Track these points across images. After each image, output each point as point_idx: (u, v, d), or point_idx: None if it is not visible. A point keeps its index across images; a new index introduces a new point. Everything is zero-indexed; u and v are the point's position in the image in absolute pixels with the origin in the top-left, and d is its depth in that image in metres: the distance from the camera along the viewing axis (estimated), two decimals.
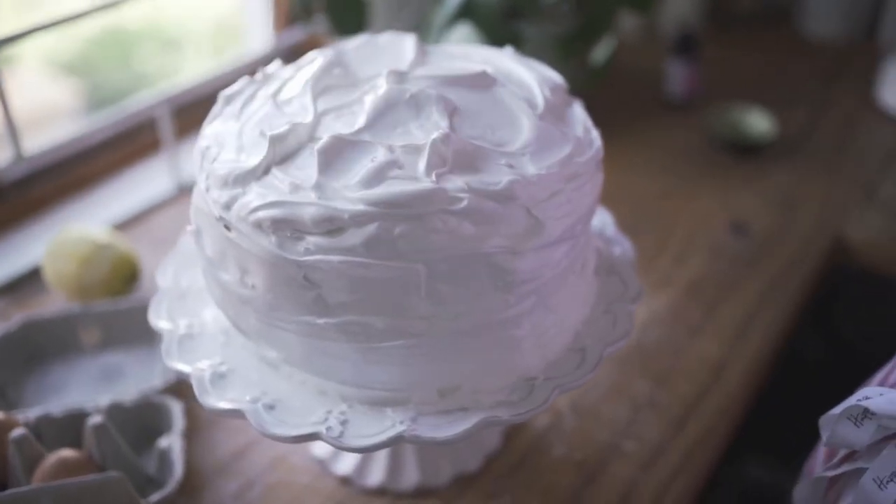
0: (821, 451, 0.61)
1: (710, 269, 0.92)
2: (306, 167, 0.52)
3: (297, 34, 1.20)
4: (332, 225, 0.49)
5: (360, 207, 0.49)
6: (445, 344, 0.53)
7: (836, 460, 0.54)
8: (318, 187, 0.50)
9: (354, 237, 0.49)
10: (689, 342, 0.82)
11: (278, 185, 0.51)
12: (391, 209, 0.49)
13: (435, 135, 0.51)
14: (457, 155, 0.52)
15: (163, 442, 0.67)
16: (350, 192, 0.50)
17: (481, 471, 0.69)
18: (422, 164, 0.51)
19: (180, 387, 0.75)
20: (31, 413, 0.69)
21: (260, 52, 1.17)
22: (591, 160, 0.56)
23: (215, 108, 0.61)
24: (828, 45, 1.44)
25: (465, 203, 0.49)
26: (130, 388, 0.76)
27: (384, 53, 0.65)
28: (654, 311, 0.86)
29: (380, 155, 0.51)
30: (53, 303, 0.87)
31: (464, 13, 0.87)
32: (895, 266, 0.96)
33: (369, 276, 0.50)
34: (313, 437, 0.52)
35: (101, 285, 0.83)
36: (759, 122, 1.14)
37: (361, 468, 0.68)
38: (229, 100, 0.61)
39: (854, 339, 1.15)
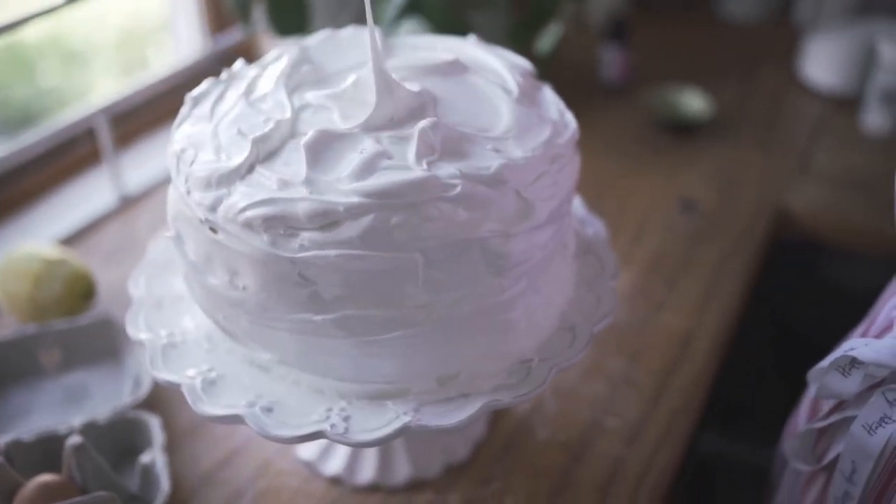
0: (804, 408, 0.63)
1: (665, 246, 0.95)
2: (293, 163, 0.51)
3: (234, 36, 1.18)
4: (326, 219, 0.49)
5: (355, 199, 0.48)
6: (443, 332, 0.53)
7: (823, 412, 0.56)
8: (308, 182, 0.49)
9: (350, 230, 0.48)
10: (656, 318, 0.84)
11: (265, 182, 0.51)
12: (386, 199, 0.48)
13: (422, 123, 0.51)
14: (444, 142, 0.52)
15: (145, 457, 0.65)
16: (342, 184, 0.49)
17: (470, 459, 0.70)
18: (411, 153, 0.51)
19: (154, 400, 0.73)
20: (0, 440, 0.66)
21: (195, 56, 1.14)
22: (569, 141, 0.57)
23: (183, 110, 0.59)
24: (745, 26, 1.49)
25: (458, 189, 0.49)
26: (100, 407, 0.74)
27: (349, 48, 0.64)
28: (620, 290, 0.87)
29: (368, 146, 0.51)
30: (6, 325, 0.83)
31: (412, 6, 0.87)
32: (836, 234, 1.01)
33: (366, 269, 0.49)
34: (317, 435, 0.51)
35: (57, 304, 0.79)
36: (694, 102, 1.17)
37: (351, 467, 0.68)
38: (197, 101, 0.60)
39: (787, 310, 1.21)
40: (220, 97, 0.60)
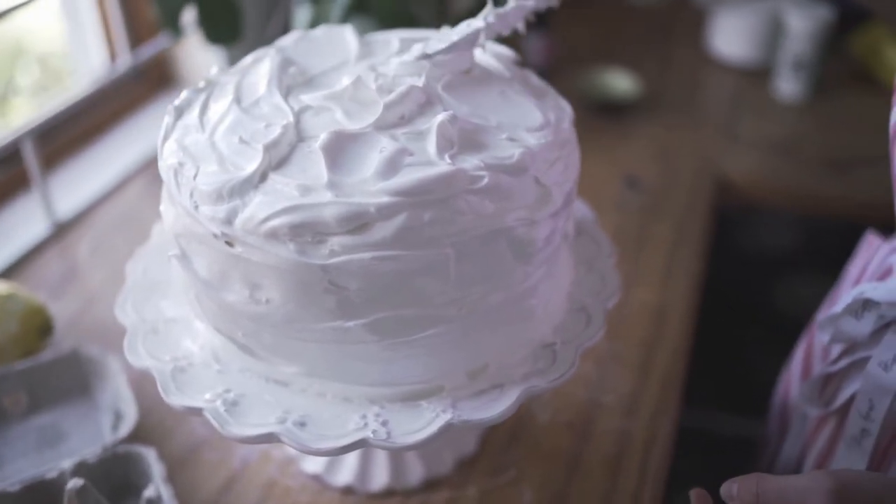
0: (797, 359, 0.66)
1: (620, 223, 0.97)
2: (309, 167, 0.49)
3: (153, 48, 1.12)
4: (357, 221, 0.47)
5: (385, 199, 0.47)
6: (472, 326, 0.52)
7: (832, 358, 0.59)
8: (332, 185, 0.48)
9: (383, 230, 0.47)
10: (627, 294, 0.86)
11: (284, 189, 0.49)
12: (417, 196, 0.47)
13: (440, 117, 0.50)
14: (461, 134, 0.51)
15: (148, 492, 0.62)
16: (369, 185, 0.48)
17: (480, 451, 0.70)
18: (431, 148, 0.50)
19: (141, 432, 0.69)
20: None
21: (117, 70, 1.08)
22: (571, 125, 0.58)
23: (166, 122, 0.56)
24: (651, 8, 1.55)
25: (485, 181, 0.49)
26: (80, 446, 0.69)
27: (327, 47, 0.62)
28: None
29: (387, 144, 0.50)
30: None
31: (358, 5, 0.85)
32: (773, 198, 1.06)
33: (398, 269, 0.48)
34: (360, 444, 0.50)
35: (14, 343, 0.74)
36: (621, 82, 1.20)
37: (363, 474, 0.66)
38: (180, 111, 0.57)
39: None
40: (205, 106, 0.57)
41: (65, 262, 0.92)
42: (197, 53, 1.21)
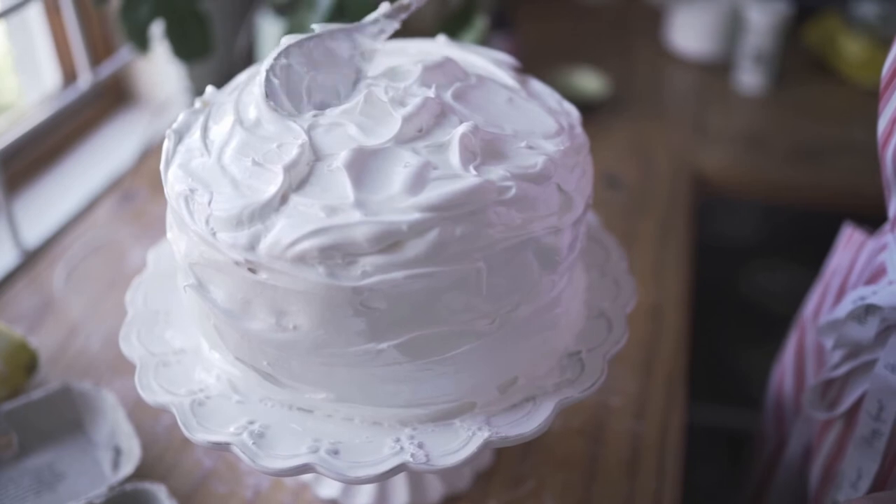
0: (787, 362, 0.67)
1: (606, 223, 0.96)
2: (331, 187, 0.48)
3: (119, 61, 1.08)
4: (389, 240, 0.46)
5: (417, 216, 0.46)
6: (503, 339, 0.51)
7: (833, 363, 0.59)
8: (359, 204, 0.46)
9: (416, 248, 0.46)
10: None
11: (308, 211, 0.47)
12: (449, 211, 0.46)
13: (461, 128, 0.49)
14: (482, 145, 0.50)
15: None
16: (398, 202, 0.46)
17: (496, 463, 0.69)
18: (454, 160, 0.49)
19: (145, 467, 0.66)
20: None
21: (80, 87, 1.04)
22: (582, 130, 0.57)
23: (167, 146, 0.54)
24: (606, 7, 1.56)
25: (513, 191, 0.48)
26: (80, 487, 0.66)
27: None
28: None
29: (410, 159, 0.48)
30: None
31: (338, 14, 0.83)
32: (748, 189, 1.08)
33: (431, 286, 0.47)
34: (400, 469, 0.49)
35: (0, 383, 0.70)
36: (590, 82, 1.21)
37: (382, 496, 0.65)
38: (180, 135, 0.55)
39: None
40: (206, 127, 0.55)
41: (38, 293, 0.87)
42: (155, 69, 1.17)
